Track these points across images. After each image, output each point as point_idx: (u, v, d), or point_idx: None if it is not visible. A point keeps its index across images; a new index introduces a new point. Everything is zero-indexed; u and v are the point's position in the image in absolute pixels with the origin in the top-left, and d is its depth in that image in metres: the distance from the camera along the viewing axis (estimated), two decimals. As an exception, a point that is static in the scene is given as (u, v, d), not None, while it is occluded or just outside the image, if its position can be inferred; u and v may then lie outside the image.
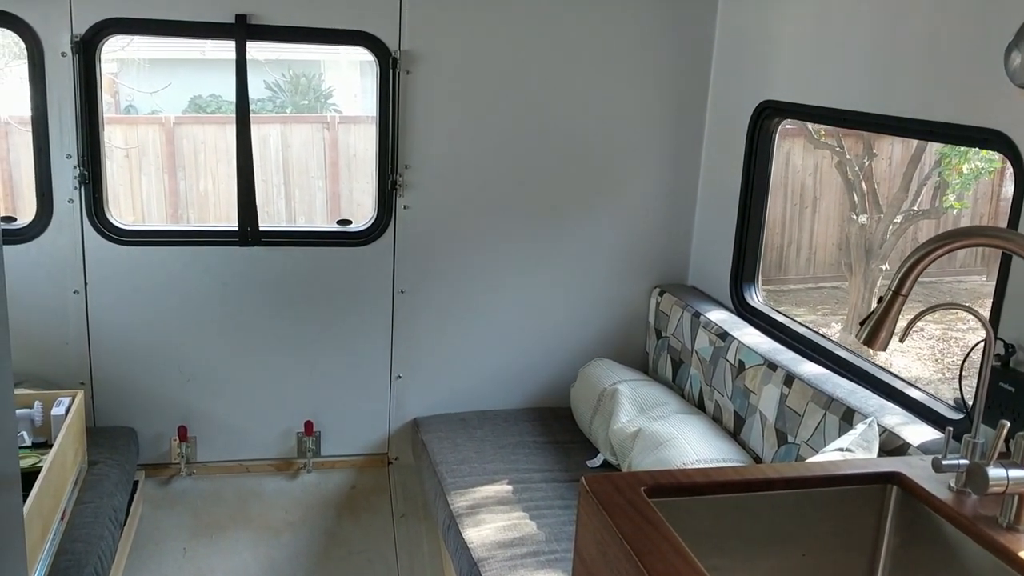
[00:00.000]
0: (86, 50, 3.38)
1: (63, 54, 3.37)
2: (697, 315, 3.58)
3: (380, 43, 3.57)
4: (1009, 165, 2.28)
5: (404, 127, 3.66)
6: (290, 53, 9.03)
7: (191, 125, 8.39)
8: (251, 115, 3.57)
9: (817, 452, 2.60)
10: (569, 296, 3.98)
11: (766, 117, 3.43)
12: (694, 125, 3.88)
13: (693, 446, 3.04)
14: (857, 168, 7.76)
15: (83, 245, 3.56)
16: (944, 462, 1.84)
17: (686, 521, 1.86)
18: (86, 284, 3.59)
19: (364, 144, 8.32)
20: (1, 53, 7.91)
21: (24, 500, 2.40)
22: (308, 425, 3.87)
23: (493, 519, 3.03)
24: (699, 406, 3.48)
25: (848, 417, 2.59)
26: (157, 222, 8.25)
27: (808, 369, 2.92)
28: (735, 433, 3.20)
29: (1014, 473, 1.72)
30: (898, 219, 7.74)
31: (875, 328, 1.83)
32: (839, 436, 2.55)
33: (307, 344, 3.82)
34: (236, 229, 3.66)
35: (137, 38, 6.90)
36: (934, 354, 8.04)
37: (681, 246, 4.02)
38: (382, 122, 3.66)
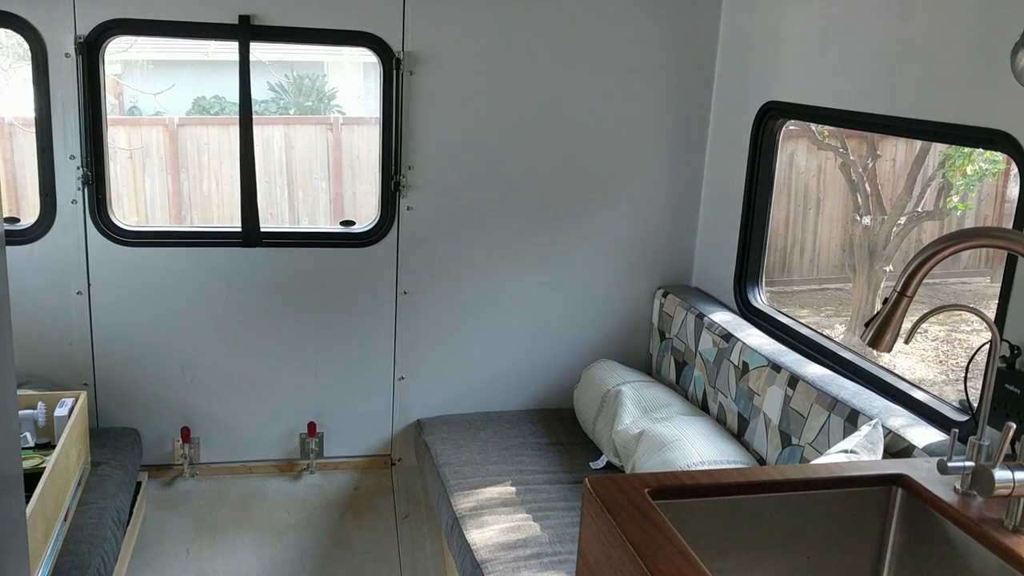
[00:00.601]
0: (90, 51, 3.38)
1: (67, 55, 3.37)
2: (701, 316, 3.57)
3: (384, 44, 3.57)
4: (1013, 166, 2.28)
5: (407, 128, 3.65)
6: (293, 54, 9.05)
7: (195, 126, 8.40)
8: (254, 116, 3.58)
9: (821, 454, 2.59)
10: (572, 297, 3.98)
11: (770, 118, 3.43)
12: (698, 126, 3.88)
13: (697, 448, 3.03)
14: (861, 169, 7.75)
15: (86, 246, 3.56)
16: (949, 464, 1.83)
17: (690, 523, 1.85)
18: (89, 285, 3.59)
19: (367, 145, 8.33)
20: (5, 54, 7.93)
21: (27, 501, 2.39)
22: (311, 426, 3.87)
23: (496, 521, 3.03)
24: (703, 408, 3.48)
25: (852, 419, 2.58)
26: (160, 223, 8.26)
27: (812, 370, 2.91)
28: (739, 435, 3.19)
29: (1020, 475, 1.71)
30: (902, 220, 7.73)
31: (880, 329, 1.82)
32: (843, 438, 2.54)
33: (310, 345, 3.82)
34: (239, 230, 3.66)
35: (141, 39, 6.93)
36: (938, 356, 8.02)
37: (685, 247, 4.01)
38: (385, 123, 3.66)
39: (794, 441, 2.83)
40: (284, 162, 8.33)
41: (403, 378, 3.92)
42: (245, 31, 3.45)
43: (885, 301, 1.82)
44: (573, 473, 3.40)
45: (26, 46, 3.38)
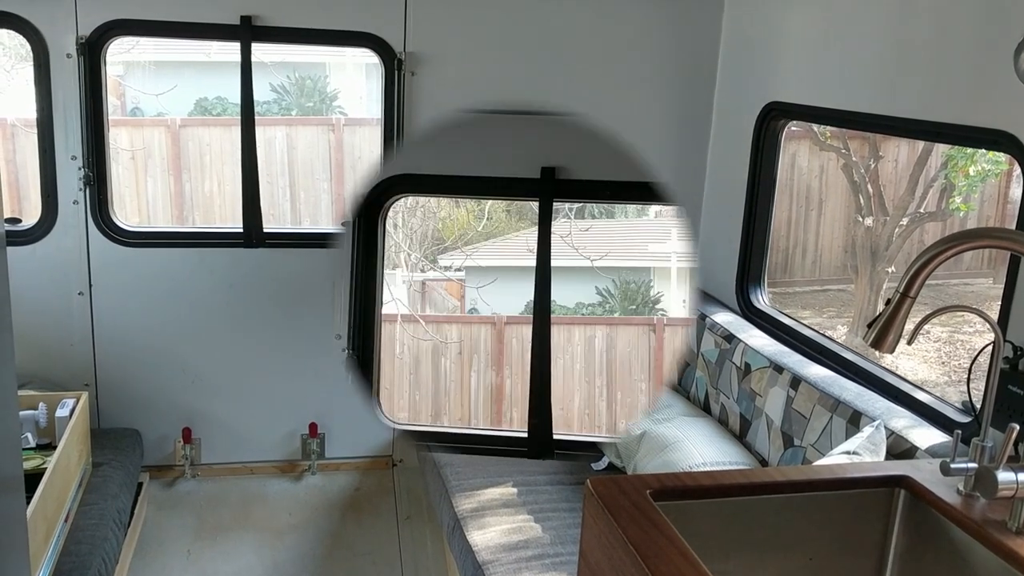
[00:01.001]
0: (91, 52, 3.38)
1: (68, 56, 3.37)
2: (703, 317, 3.56)
3: (385, 45, 3.56)
4: (1016, 167, 2.27)
5: (409, 129, 3.65)
6: (295, 55, 9.04)
7: (196, 127, 8.41)
8: (256, 117, 3.58)
9: (824, 455, 2.58)
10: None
11: (772, 119, 3.42)
12: (700, 127, 3.87)
13: (699, 449, 3.02)
14: (863, 170, 7.75)
15: (88, 246, 3.56)
16: (952, 465, 1.83)
17: (691, 524, 1.84)
18: (91, 285, 3.59)
19: (369, 146, 8.33)
20: (7, 55, 7.93)
21: (28, 502, 2.39)
22: (312, 427, 3.87)
23: (498, 522, 3.02)
24: (705, 409, 3.47)
25: (855, 420, 2.57)
26: (162, 224, 8.27)
27: (814, 372, 2.90)
28: (741, 436, 3.18)
29: (1023, 477, 1.70)
30: (904, 221, 7.73)
31: (883, 330, 1.81)
32: (846, 439, 2.53)
33: (311, 346, 3.82)
34: (241, 231, 3.66)
35: (142, 40, 6.92)
36: (940, 357, 8.01)
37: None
38: (387, 124, 3.66)
39: (796, 442, 2.82)
40: (286, 163, 8.33)
41: (404, 379, 3.92)
42: (247, 32, 3.45)
43: (887, 302, 1.82)
44: (575, 474, 3.39)
45: (28, 47, 3.38)
